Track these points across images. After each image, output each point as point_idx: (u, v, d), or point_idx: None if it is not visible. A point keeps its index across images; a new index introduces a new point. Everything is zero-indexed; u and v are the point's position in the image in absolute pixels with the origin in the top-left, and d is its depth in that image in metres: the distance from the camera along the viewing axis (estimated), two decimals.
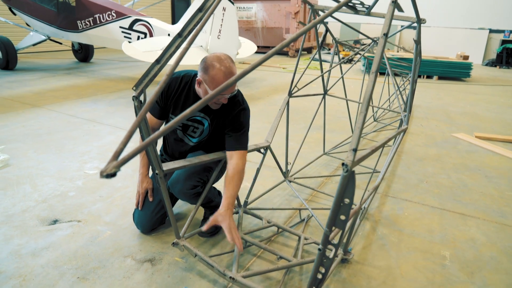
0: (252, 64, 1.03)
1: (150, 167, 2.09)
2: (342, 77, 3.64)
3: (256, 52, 8.00)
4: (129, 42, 6.16)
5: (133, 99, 1.44)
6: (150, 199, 2.24)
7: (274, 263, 2.05)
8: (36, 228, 2.36)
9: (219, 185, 2.63)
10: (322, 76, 3.18)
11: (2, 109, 5.09)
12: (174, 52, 1.47)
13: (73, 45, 10.09)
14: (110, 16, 7.02)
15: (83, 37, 7.77)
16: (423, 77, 9.50)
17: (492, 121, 5.50)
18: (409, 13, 2.37)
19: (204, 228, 1.85)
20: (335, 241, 1.38)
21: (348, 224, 1.86)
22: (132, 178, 3.06)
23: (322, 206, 2.76)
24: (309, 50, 14.84)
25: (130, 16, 6.86)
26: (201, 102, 0.91)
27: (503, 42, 12.90)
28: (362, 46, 4.09)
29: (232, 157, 2.01)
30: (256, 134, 4.08)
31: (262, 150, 2.47)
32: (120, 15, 6.94)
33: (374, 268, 2.08)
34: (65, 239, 2.25)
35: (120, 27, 6.95)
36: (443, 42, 13.81)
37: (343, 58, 5.12)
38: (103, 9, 7.09)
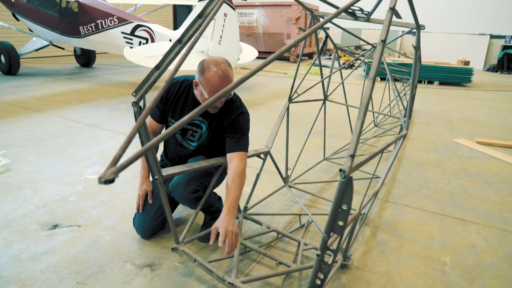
0: (251, 71, 1.04)
1: (150, 172, 2.10)
2: (342, 82, 3.66)
3: (257, 58, 8.04)
4: (131, 47, 6.20)
5: (132, 105, 1.45)
6: (150, 201, 2.25)
7: (274, 269, 2.05)
8: (36, 232, 2.36)
9: (220, 190, 2.64)
10: (322, 81, 3.20)
11: (4, 114, 5.12)
12: (173, 58, 1.48)
13: (75, 51, 10.16)
14: (112, 21, 7.07)
15: (85, 43, 7.83)
16: (424, 83, 9.51)
17: (493, 126, 5.49)
18: (410, 19, 2.37)
19: (210, 242, 1.78)
20: (334, 246, 1.38)
21: (347, 229, 1.86)
22: (132, 183, 3.07)
23: (322, 211, 2.76)
24: (310, 56, 14.89)
25: (131, 22, 6.90)
26: (200, 108, 0.92)
27: (504, 47, 12.93)
28: (363, 52, 4.11)
29: (232, 160, 2.01)
30: (256, 140, 4.09)
31: (262, 156, 2.48)
32: (122, 21, 6.99)
33: (373, 274, 2.07)
34: (65, 244, 2.25)
35: (122, 32, 6.99)
36: (444, 48, 13.85)
37: (343, 63, 5.13)
38: (105, 14, 7.15)
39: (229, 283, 1.73)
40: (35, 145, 3.95)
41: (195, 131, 2.17)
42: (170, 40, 6.60)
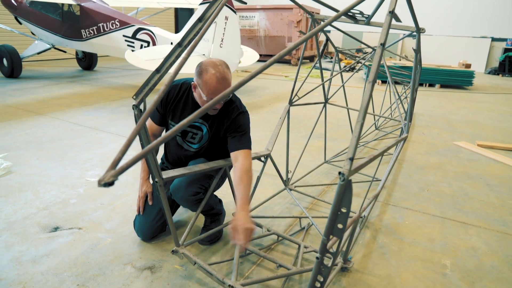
0: (250, 74, 1.04)
1: (150, 175, 2.10)
2: (343, 85, 3.66)
3: (259, 61, 8.06)
4: (132, 50, 6.23)
5: (133, 108, 1.46)
6: (150, 202, 2.25)
7: (274, 271, 2.05)
8: (37, 235, 2.37)
9: (220, 192, 2.64)
10: (323, 84, 3.20)
11: (6, 117, 5.14)
12: (174, 61, 1.49)
13: (77, 54, 10.21)
14: (114, 25, 7.11)
15: (87, 46, 7.86)
16: (425, 86, 9.51)
17: (494, 129, 5.49)
18: (410, 22, 2.38)
19: (233, 242, 1.68)
20: (334, 249, 1.38)
21: (348, 232, 1.86)
22: (133, 186, 3.08)
23: (323, 214, 2.76)
24: (311, 59, 14.92)
25: (133, 25, 6.93)
26: (199, 112, 0.93)
27: (506, 50, 12.93)
28: (364, 55, 4.12)
29: (237, 158, 2.00)
30: (257, 142, 4.10)
31: (262, 159, 2.48)
32: (123, 24, 7.02)
33: (374, 277, 2.07)
34: (66, 246, 2.25)
35: (124, 35, 7.02)
36: (445, 51, 13.86)
37: (344, 66, 5.14)
38: (107, 18, 7.18)
39: (229, 285, 1.73)
40: (37, 147, 3.96)
41: (196, 134, 2.17)
42: (172, 43, 6.63)
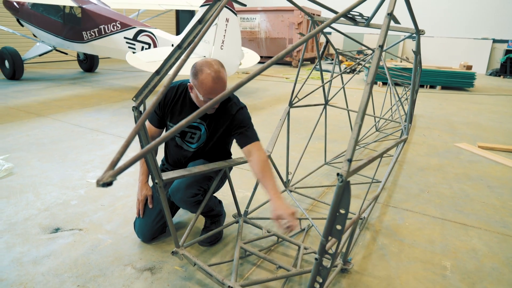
0: (249, 75, 1.05)
1: (150, 177, 2.11)
2: (343, 87, 3.67)
3: (259, 62, 8.06)
4: (133, 52, 6.24)
5: (133, 110, 1.47)
6: (150, 206, 2.26)
7: (274, 273, 2.05)
8: (38, 236, 2.37)
9: (220, 194, 2.65)
10: (323, 86, 3.21)
11: (8, 118, 5.16)
12: (174, 63, 1.50)
13: (78, 56, 10.24)
14: (115, 27, 7.13)
15: (88, 48, 7.89)
16: (426, 87, 9.50)
17: (495, 131, 5.48)
18: (411, 24, 2.38)
19: (284, 230, 1.72)
20: (333, 250, 1.38)
21: (347, 233, 1.87)
22: (133, 187, 3.08)
23: (323, 216, 2.76)
24: (312, 60, 14.93)
25: (134, 27, 6.96)
26: (197, 113, 0.93)
27: (507, 52, 12.92)
28: (364, 56, 4.13)
29: (251, 152, 2.02)
30: None
31: None
32: (124, 26, 7.04)
33: (374, 278, 2.07)
34: (66, 247, 2.26)
35: (125, 37, 7.05)
36: (446, 52, 13.85)
37: (345, 68, 5.15)
38: (108, 20, 7.21)
39: (229, 286, 1.74)
40: (38, 149, 3.97)
41: (194, 133, 2.18)
42: (173, 45, 6.64)
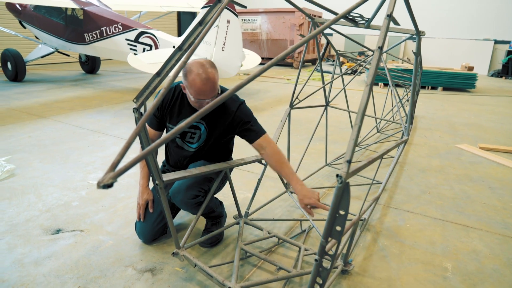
0: (249, 76, 1.06)
1: (151, 178, 2.11)
2: (344, 88, 3.67)
3: (261, 64, 8.07)
4: (135, 54, 6.26)
5: (133, 111, 1.47)
6: (151, 210, 2.26)
7: (274, 274, 2.05)
8: (40, 237, 2.38)
9: (221, 195, 2.65)
10: (324, 87, 3.21)
11: (10, 120, 5.18)
12: (174, 65, 1.51)
13: (80, 57, 10.28)
14: (117, 28, 7.16)
15: (90, 49, 7.92)
16: (428, 88, 9.50)
17: (497, 132, 5.47)
18: (411, 25, 2.38)
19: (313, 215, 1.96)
20: (332, 251, 1.38)
21: (347, 235, 1.87)
22: (134, 189, 3.09)
23: (323, 217, 2.76)
24: (313, 62, 14.94)
25: (136, 29, 6.98)
26: (197, 115, 0.94)
27: (509, 53, 12.88)
28: (365, 58, 4.13)
29: (263, 146, 2.07)
30: None
31: (263, 161, 2.49)
32: (126, 28, 7.07)
33: (374, 280, 2.07)
34: (68, 249, 2.27)
35: (126, 39, 7.07)
36: (448, 53, 13.83)
37: (347, 69, 5.15)
38: (110, 22, 7.23)
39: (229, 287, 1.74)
40: (39, 150, 3.99)
41: (194, 133, 2.18)
42: (174, 47, 6.66)
